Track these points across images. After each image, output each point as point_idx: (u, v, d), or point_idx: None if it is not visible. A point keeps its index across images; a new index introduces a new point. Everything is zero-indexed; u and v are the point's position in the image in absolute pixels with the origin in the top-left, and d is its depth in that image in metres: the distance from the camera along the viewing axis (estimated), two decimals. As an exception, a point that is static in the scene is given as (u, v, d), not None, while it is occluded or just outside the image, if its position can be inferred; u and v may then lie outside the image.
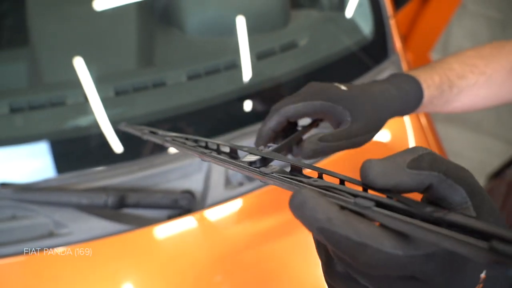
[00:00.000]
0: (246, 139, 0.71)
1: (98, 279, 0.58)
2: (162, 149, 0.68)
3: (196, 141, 0.41)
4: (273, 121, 0.39)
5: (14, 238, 0.61)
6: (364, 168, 0.22)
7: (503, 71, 0.52)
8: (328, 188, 0.24)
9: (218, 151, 0.39)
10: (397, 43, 0.87)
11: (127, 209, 0.64)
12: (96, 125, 0.68)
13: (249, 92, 0.77)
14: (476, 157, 1.96)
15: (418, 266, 0.20)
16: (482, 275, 0.22)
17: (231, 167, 0.32)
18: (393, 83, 0.43)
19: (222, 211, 0.66)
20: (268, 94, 0.78)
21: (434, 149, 0.76)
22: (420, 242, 0.19)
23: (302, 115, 0.39)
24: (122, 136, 0.68)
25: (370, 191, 0.24)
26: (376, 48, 0.86)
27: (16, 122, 0.68)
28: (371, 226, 0.20)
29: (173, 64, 0.76)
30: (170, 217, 0.65)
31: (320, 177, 0.28)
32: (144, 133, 0.47)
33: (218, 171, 0.68)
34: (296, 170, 0.31)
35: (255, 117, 0.75)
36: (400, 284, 0.21)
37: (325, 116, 0.40)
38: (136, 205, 0.63)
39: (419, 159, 0.22)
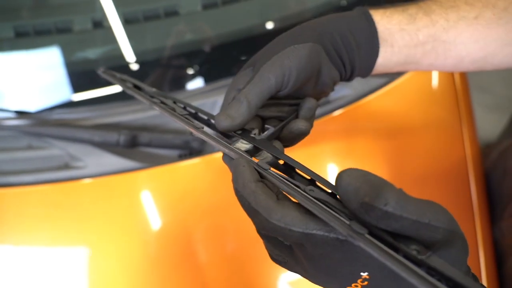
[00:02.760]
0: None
1: (109, 213, 0.62)
2: (175, 88, 0.66)
3: (185, 107, 0.37)
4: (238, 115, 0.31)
5: (31, 167, 0.63)
6: (337, 180, 0.22)
7: None
8: (320, 201, 0.24)
9: (209, 123, 0.36)
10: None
11: (139, 148, 0.64)
12: (104, 58, 0.65)
13: (274, 27, 0.70)
14: (505, 93, 1.86)
15: (296, 239, 0.24)
16: (364, 274, 0.24)
17: (222, 149, 0.30)
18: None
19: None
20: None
21: (463, 112, 0.71)
22: (302, 221, 0.23)
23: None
24: (132, 72, 0.65)
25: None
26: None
27: (22, 48, 0.65)
28: (269, 200, 0.24)
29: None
30: (181, 156, 0.66)
31: (312, 181, 0.27)
32: (127, 86, 0.42)
33: (231, 114, 0.66)
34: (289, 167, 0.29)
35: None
36: (286, 246, 0.27)
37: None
38: (148, 145, 0.64)
39: None
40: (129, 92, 0.41)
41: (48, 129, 0.62)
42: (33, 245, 0.60)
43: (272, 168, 0.28)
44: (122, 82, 0.43)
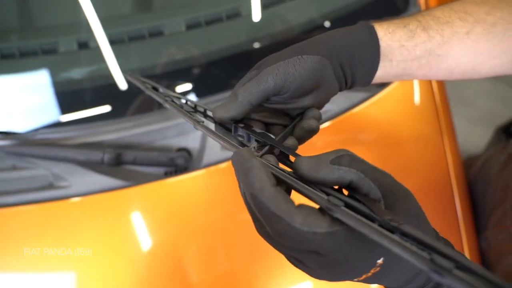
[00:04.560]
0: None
1: (95, 232, 0.61)
2: (159, 106, 0.67)
3: (195, 106, 0.40)
4: (236, 112, 0.33)
5: (15, 188, 0.63)
6: (295, 165, 0.26)
7: None
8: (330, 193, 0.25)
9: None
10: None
11: (124, 166, 0.64)
12: (89, 78, 0.66)
13: (255, 45, 0.72)
14: (488, 106, 1.90)
15: (319, 242, 0.24)
16: (379, 261, 0.25)
17: (223, 144, 0.32)
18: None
19: (218, 171, 0.66)
20: (276, 48, 0.72)
21: (443, 124, 0.73)
22: (324, 222, 0.24)
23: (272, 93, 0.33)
24: (117, 92, 0.66)
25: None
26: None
27: (8, 69, 0.66)
28: (290, 205, 0.24)
29: (171, 11, 0.70)
30: (166, 174, 0.66)
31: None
32: (147, 87, 0.44)
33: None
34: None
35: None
36: (304, 256, 0.26)
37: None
38: (133, 163, 0.64)
39: (340, 157, 0.26)
40: (147, 92, 0.44)
41: (32, 149, 0.62)
42: (18, 267, 0.59)
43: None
44: (142, 83, 0.46)
